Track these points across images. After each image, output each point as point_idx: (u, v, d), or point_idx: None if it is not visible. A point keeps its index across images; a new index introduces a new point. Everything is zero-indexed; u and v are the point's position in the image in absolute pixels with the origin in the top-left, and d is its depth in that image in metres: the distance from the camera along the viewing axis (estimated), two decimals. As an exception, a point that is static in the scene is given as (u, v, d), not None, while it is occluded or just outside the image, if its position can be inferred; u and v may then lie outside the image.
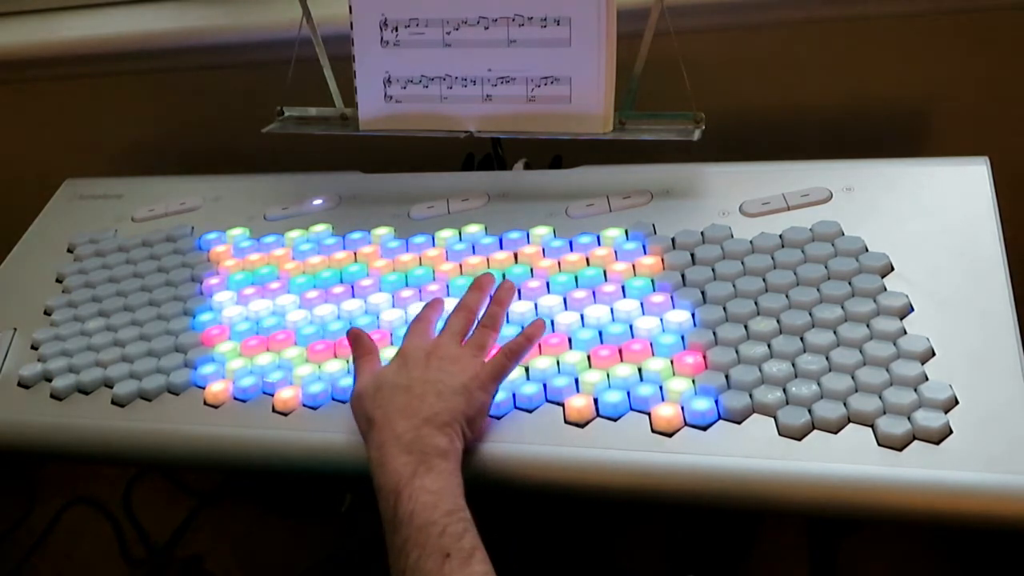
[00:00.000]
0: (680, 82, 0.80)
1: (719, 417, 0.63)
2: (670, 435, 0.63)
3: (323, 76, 0.90)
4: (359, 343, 0.71)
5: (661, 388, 0.66)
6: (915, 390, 0.61)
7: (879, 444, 0.59)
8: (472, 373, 0.66)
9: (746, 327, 0.68)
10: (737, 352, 0.67)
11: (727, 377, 0.65)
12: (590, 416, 0.65)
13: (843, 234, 0.73)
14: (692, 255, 0.75)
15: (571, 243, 0.79)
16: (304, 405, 0.71)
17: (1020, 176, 0.85)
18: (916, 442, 0.59)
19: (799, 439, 0.61)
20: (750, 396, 0.64)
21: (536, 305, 0.74)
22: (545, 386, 0.68)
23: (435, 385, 0.64)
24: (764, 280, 0.71)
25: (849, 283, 0.69)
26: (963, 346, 0.64)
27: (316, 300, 0.80)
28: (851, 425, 0.61)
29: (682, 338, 0.69)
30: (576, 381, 0.68)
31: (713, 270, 0.73)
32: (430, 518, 0.56)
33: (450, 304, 0.74)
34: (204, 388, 0.74)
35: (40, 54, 1.11)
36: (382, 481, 0.60)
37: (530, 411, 0.67)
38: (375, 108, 0.87)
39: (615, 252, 0.77)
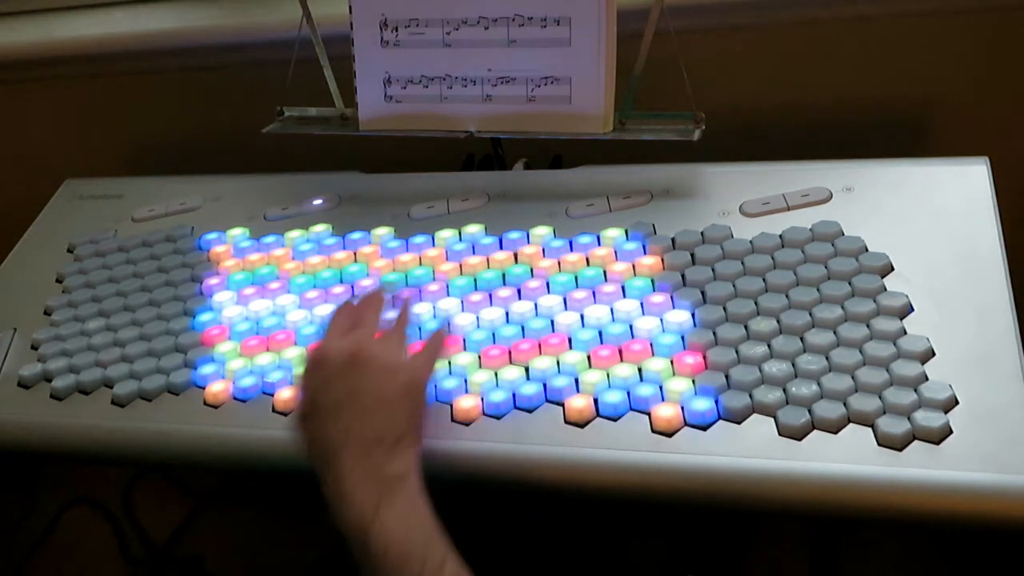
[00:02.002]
0: (680, 82, 0.80)
1: (719, 417, 0.63)
2: (670, 435, 0.63)
3: (323, 76, 0.90)
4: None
5: (661, 388, 0.66)
6: (915, 390, 0.61)
7: (879, 444, 0.59)
8: (407, 373, 0.62)
9: (746, 327, 0.68)
10: (737, 352, 0.67)
11: (727, 377, 0.65)
12: (590, 416, 0.65)
13: (843, 234, 0.73)
14: (692, 255, 0.75)
15: (571, 243, 0.79)
16: (304, 405, 0.71)
17: (1020, 176, 0.85)
18: (916, 442, 0.59)
19: (799, 439, 0.61)
20: (750, 396, 0.64)
21: (536, 305, 0.74)
22: (545, 386, 0.68)
23: (371, 396, 0.59)
24: (764, 280, 0.71)
25: (849, 283, 0.69)
26: (963, 346, 0.64)
27: (316, 300, 0.80)
28: (851, 425, 0.61)
29: (682, 338, 0.69)
30: (576, 381, 0.68)
31: (713, 270, 0.73)
32: (405, 551, 0.53)
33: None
34: (204, 388, 0.74)
35: (40, 54, 1.11)
36: (346, 518, 0.56)
37: (530, 411, 0.67)
38: (375, 108, 0.87)
39: (615, 252, 0.77)
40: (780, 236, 0.75)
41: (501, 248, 0.81)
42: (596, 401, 0.66)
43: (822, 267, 0.71)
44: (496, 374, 0.69)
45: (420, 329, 0.75)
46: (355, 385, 0.60)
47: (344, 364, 0.61)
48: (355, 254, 0.84)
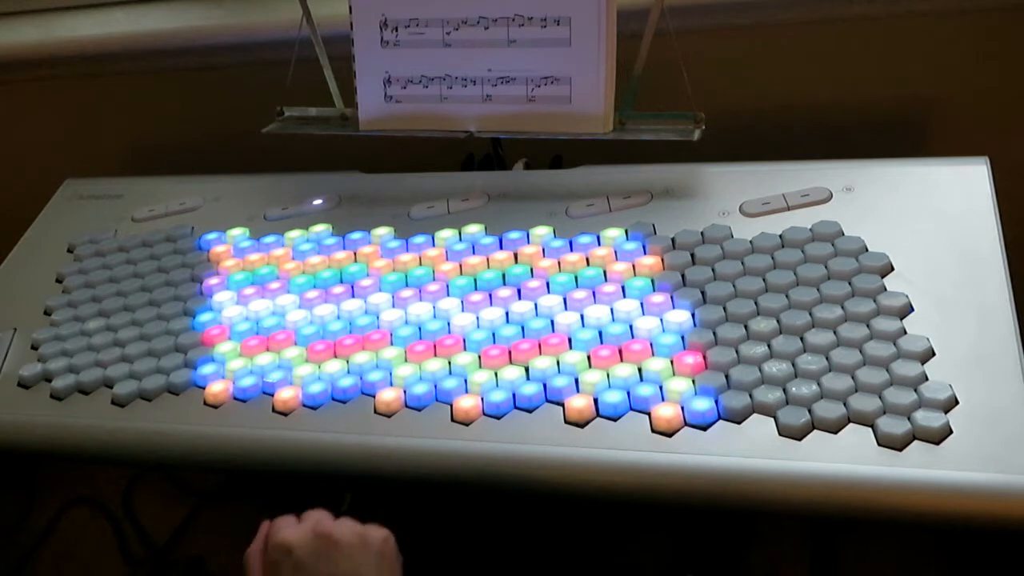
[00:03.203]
0: (680, 82, 0.80)
1: (719, 417, 0.63)
2: (670, 435, 0.63)
3: (323, 76, 0.90)
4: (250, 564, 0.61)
5: (661, 388, 0.66)
6: (915, 390, 0.61)
7: (879, 444, 0.59)
8: (374, 534, 0.59)
9: (746, 327, 0.68)
10: (737, 352, 0.67)
11: (727, 377, 0.65)
12: (590, 416, 0.65)
13: (843, 234, 0.73)
14: (692, 255, 0.75)
15: (571, 243, 0.79)
16: (304, 405, 0.71)
17: (1020, 176, 0.85)
18: (916, 442, 0.59)
19: (799, 439, 0.61)
20: (750, 396, 0.64)
21: (536, 305, 0.74)
22: (545, 386, 0.68)
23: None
24: (764, 280, 0.71)
25: (849, 283, 0.69)
26: (963, 346, 0.64)
27: (316, 300, 0.80)
28: (851, 425, 0.61)
29: (682, 338, 0.69)
30: (576, 381, 0.68)
31: (713, 270, 0.73)
32: None
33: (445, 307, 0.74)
34: (204, 388, 0.74)
35: (40, 54, 1.11)
36: None
37: (530, 411, 0.67)
38: (375, 108, 0.88)
39: (615, 252, 0.77)
40: (780, 236, 0.75)
41: (501, 248, 0.81)
42: (596, 401, 0.66)
43: (822, 267, 0.71)
44: (496, 374, 0.69)
45: (420, 329, 0.75)
46: (334, 571, 0.55)
47: (312, 552, 0.56)
48: (355, 254, 0.84)
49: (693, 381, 0.66)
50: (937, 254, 0.70)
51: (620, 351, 0.69)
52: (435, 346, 0.73)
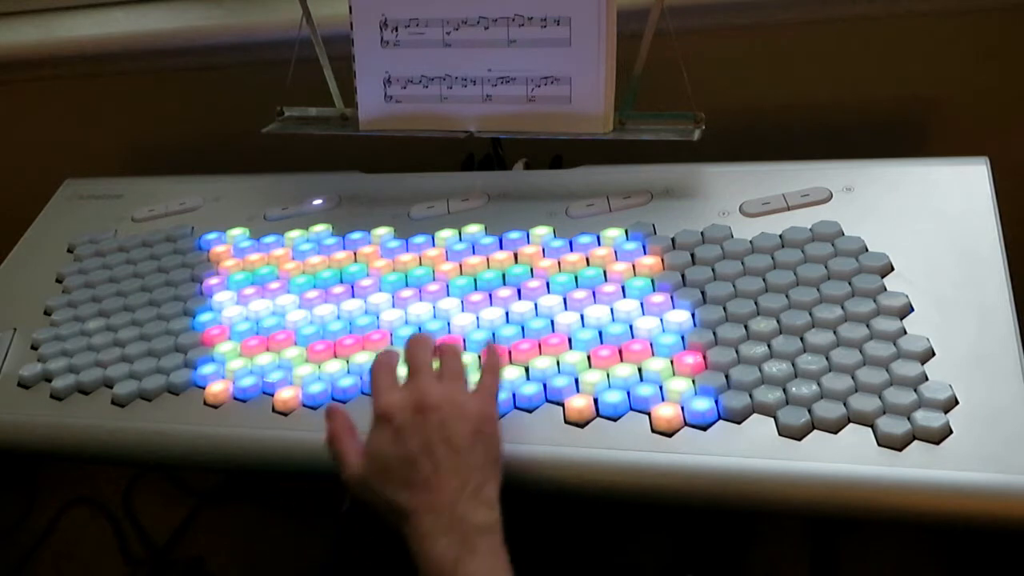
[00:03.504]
0: (680, 82, 0.80)
1: (719, 417, 0.63)
2: (670, 435, 0.63)
3: (323, 76, 0.90)
4: (334, 418, 0.63)
5: (661, 388, 0.66)
6: (915, 390, 0.61)
7: (879, 444, 0.59)
8: (476, 411, 0.60)
9: (746, 327, 0.68)
10: (737, 352, 0.67)
11: (727, 377, 0.65)
12: (590, 416, 0.65)
13: (843, 234, 0.73)
14: (692, 255, 0.75)
15: (571, 243, 0.79)
16: (304, 405, 0.71)
17: (1020, 176, 0.85)
18: (916, 442, 0.59)
19: (799, 439, 0.61)
20: (750, 396, 0.64)
21: (536, 305, 0.74)
22: (545, 386, 0.68)
23: (447, 444, 0.58)
24: (764, 280, 0.71)
25: (849, 283, 0.69)
26: (963, 346, 0.64)
27: (316, 300, 0.80)
28: (851, 425, 0.61)
29: (682, 338, 0.69)
30: (576, 381, 0.68)
31: (713, 270, 0.73)
32: None
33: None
34: (204, 388, 0.74)
35: (40, 54, 1.11)
36: (424, 569, 0.55)
37: (530, 411, 0.67)
38: (375, 108, 0.87)
39: (615, 252, 0.77)
40: (780, 236, 0.75)
41: (501, 248, 0.81)
42: (596, 401, 0.66)
43: (822, 267, 0.71)
44: (496, 374, 0.69)
45: (420, 329, 0.75)
46: (427, 438, 0.58)
47: (411, 418, 0.59)
48: (355, 254, 0.84)
49: (693, 381, 0.66)
50: (937, 254, 0.70)
51: (620, 351, 0.69)
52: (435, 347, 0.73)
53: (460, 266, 0.80)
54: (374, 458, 0.59)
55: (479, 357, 0.71)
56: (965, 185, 0.75)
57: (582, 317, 0.72)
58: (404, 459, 0.58)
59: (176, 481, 1.23)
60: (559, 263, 0.78)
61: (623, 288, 0.74)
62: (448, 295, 0.78)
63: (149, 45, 1.08)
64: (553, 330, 0.72)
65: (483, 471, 0.58)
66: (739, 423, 0.63)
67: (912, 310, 0.67)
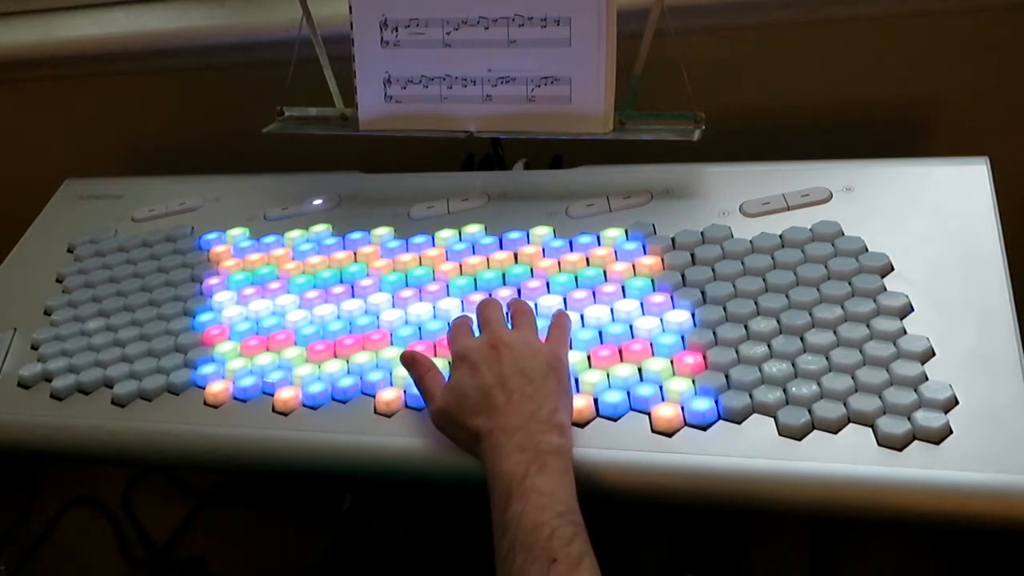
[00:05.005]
0: (680, 82, 0.80)
1: (719, 417, 0.63)
2: (670, 435, 0.63)
3: (323, 76, 0.90)
4: (416, 363, 0.68)
5: (661, 388, 0.66)
6: (915, 390, 0.61)
7: (879, 444, 0.59)
8: (547, 351, 0.65)
9: (746, 327, 0.68)
10: (737, 352, 0.67)
11: (727, 377, 0.65)
12: (590, 416, 0.65)
13: (843, 234, 0.73)
14: (692, 255, 0.75)
15: (571, 243, 0.79)
16: (304, 405, 0.71)
17: (1020, 176, 0.85)
18: (916, 442, 0.59)
19: (799, 439, 0.61)
20: (750, 396, 0.64)
21: (536, 305, 0.74)
22: (545, 386, 0.68)
23: (521, 375, 0.62)
24: (764, 280, 0.71)
25: (849, 283, 0.69)
26: (963, 346, 0.64)
27: (316, 300, 0.80)
28: (851, 425, 0.61)
29: (682, 338, 0.69)
30: (576, 381, 0.67)
31: (713, 270, 0.73)
32: (539, 520, 0.54)
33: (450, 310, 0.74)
34: (204, 388, 0.74)
35: (40, 54, 1.11)
36: (494, 484, 0.58)
37: (530, 411, 0.67)
38: (375, 108, 0.88)
39: (615, 252, 0.77)
40: (780, 236, 0.75)
41: (501, 248, 0.81)
42: (596, 401, 0.66)
43: (822, 267, 0.71)
44: (496, 374, 0.69)
45: (420, 329, 0.75)
46: (502, 369, 0.62)
47: (487, 354, 0.64)
48: (355, 254, 0.84)
49: (693, 381, 0.66)
50: (937, 254, 0.70)
51: (620, 351, 0.69)
52: (435, 346, 0.73)
53: (460, 266, 0.80)
54: (453, 391, 0.64)
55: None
56: (965, 185, 0.75)
57: (582, 317, 0.72)
58: (481, 389, 0.62)
59: (176, 481, 1.23)
60: (559, 263, 0.78)
61: (623, 288, 0.74)
62: (448, 295, 0.78)
63: (149, 45, 1.08)
64: (553, 330, 0.72)
65: (555, 398, 0.62)
66: (739, 423, 0.63)
67: (912, 310, 0.67)
